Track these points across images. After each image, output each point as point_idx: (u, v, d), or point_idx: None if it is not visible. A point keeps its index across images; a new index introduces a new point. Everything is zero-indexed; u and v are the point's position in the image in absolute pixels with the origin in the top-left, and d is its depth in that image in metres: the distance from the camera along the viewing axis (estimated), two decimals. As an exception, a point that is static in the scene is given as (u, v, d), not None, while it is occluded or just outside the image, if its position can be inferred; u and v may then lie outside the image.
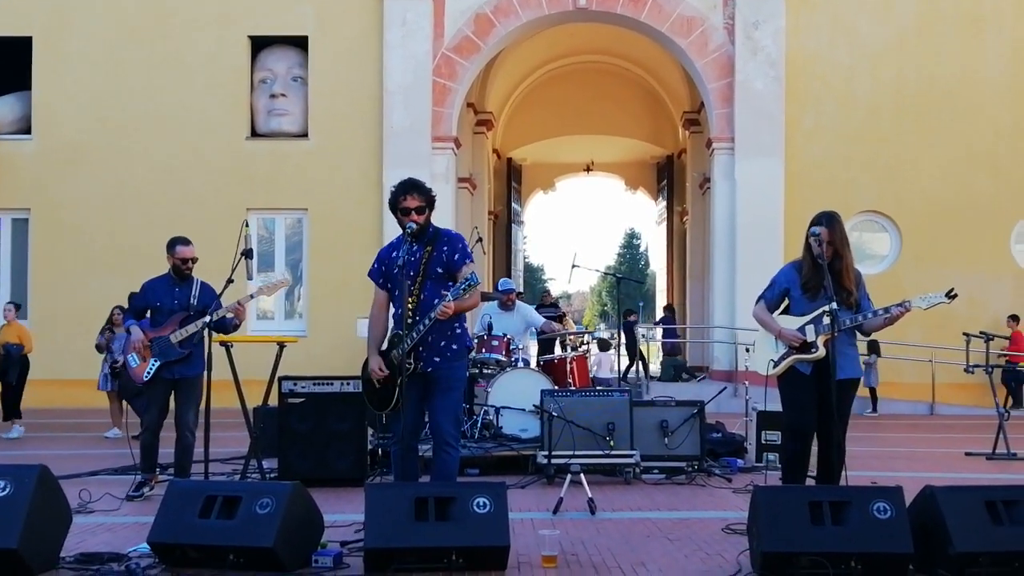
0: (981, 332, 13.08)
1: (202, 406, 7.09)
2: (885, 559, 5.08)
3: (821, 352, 6.14)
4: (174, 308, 7.96)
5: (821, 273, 6.17)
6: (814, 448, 6.37)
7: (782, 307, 6.49)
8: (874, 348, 16.31)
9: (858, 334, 6.43)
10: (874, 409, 16.42)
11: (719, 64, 17.53)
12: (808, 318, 6.24)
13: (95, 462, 9.50)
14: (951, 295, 6.04)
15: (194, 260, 8.06)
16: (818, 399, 6.21)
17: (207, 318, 7.76)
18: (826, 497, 5.28)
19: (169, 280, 8.06)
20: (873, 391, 16.58)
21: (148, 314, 8.08)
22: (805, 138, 17.61)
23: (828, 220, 6.21)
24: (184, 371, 7.94)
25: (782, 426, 6.53)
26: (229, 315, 7.77)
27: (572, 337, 12.71)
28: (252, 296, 7.66)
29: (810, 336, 6.19)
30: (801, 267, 6.34)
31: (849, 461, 6.16)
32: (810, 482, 6.44)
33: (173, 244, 8.08)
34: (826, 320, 6.11)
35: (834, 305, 5.98)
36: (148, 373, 7.86)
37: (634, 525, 6.79)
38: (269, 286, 7.80)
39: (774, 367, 6.34)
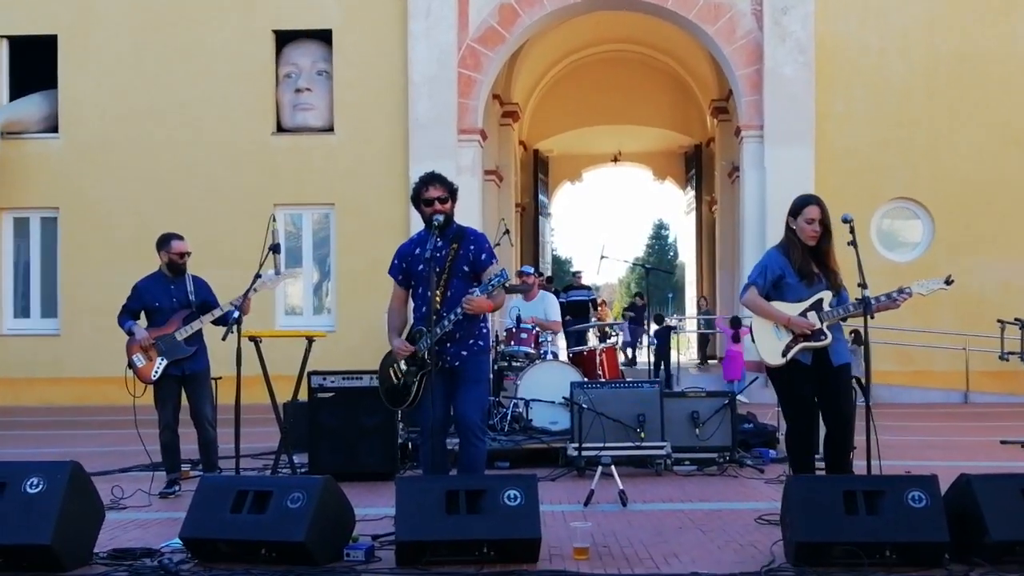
0: (1016, 319, 12.88)
1: (231, 401, 7.07)
2: (920, 548, 5.03)
3: (829, 339, 6.15)
4: (174, 306, 7.94)
5: (818, 257, 6.20)
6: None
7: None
8: (858, 339, 16.05)
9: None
10: (865, 399, 16.21)
11: (747, 51, 17.37)
12: (807, 304, 6.20)
13: (126, 458, 9.55)
14: (949, 281, 6.09)
15: (188, 254, 8.05)
16: (817, 387, 6.24)
17: (213, 312, 7.77)
18: (860, 486, 5.23)
19: (162, 278, 8.03)
20: (858, 380, 16.32)
21: (143, 315, 8.03)
22: (836, 124, 17.41)
23: (819, 201, 6.21)
24: (192, 366, 7.95)
25: (787, 416, 6.49)
26: (236, 302, 7.59)
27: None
28: (255, 289, 7.58)
29: (816, 323, 6.16)
30: (788, 251, 6.27)
31: (883, 451, 6.11)
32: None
33: (167, 240, 8.04)
34: (826, 308, 6.14)
35: (868, 292, 5.92)
36: (156, 372, 7.84)
37: (666, 517, 6.76)
38: (272, 280, 7.76)
39: (782, 356, 6.23)
